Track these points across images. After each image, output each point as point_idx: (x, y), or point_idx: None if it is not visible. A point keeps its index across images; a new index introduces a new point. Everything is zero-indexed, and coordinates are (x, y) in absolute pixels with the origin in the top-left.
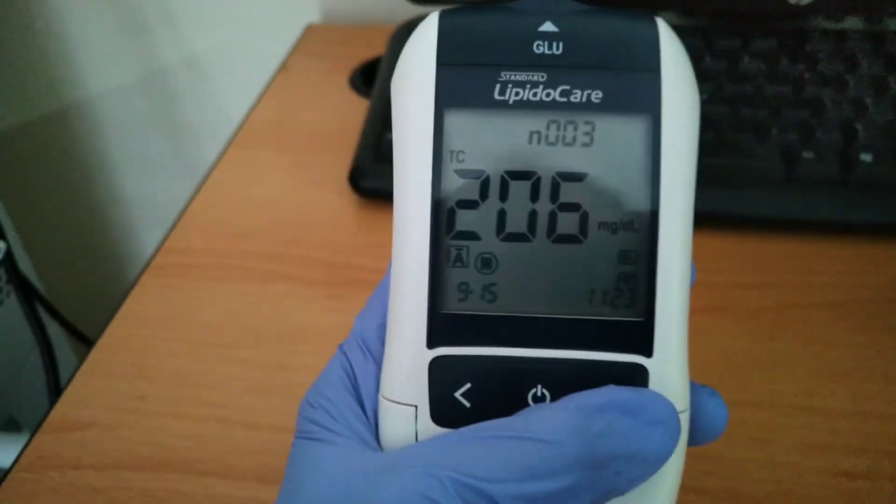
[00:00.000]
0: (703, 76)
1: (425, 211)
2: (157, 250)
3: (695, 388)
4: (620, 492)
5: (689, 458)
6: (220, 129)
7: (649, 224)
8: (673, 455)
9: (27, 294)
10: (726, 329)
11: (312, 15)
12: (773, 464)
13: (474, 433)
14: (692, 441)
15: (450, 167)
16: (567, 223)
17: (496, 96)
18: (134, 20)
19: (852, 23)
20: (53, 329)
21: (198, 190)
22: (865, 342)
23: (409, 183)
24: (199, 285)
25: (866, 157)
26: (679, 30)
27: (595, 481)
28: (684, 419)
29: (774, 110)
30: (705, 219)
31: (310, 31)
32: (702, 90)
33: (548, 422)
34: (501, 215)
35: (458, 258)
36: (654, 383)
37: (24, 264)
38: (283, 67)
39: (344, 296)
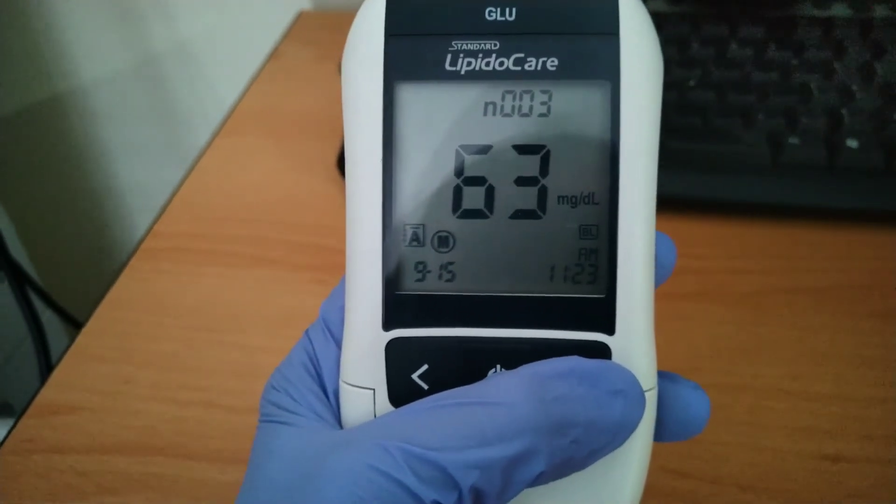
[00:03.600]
0: (691, 62)
1: (377, 189)
2: (146, 235)
3: (678, 380)
4: (580, 464)
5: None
6: (212, 116)
7: (609, 197)
8: (639, 438)
9: (19, 280)
10: (712, 314)
11: (304, 2)
12: (757, 447)
13: (427, 404)
14: (674, 435)
15: (401, 143)
16: (525, 198)
17: (447, 67)
18: (126, 8)
19: (839, 10)
20: (47, 315)
21: (187, 175)
22: (850, 327)
23: (360, 160)
24: (187, 270)
25: (852, 144)
26: (667, 17)
27: (551, 448)
28: (650, 397)
29: (761, 96)
30: (691, 204)
31: (301, 18)
32: (689, 76)
33: (502, 387)
34: (457, 192)
35: (414, 237)
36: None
37: (17, 250)
38: (274, 54)
39: (330, 280)
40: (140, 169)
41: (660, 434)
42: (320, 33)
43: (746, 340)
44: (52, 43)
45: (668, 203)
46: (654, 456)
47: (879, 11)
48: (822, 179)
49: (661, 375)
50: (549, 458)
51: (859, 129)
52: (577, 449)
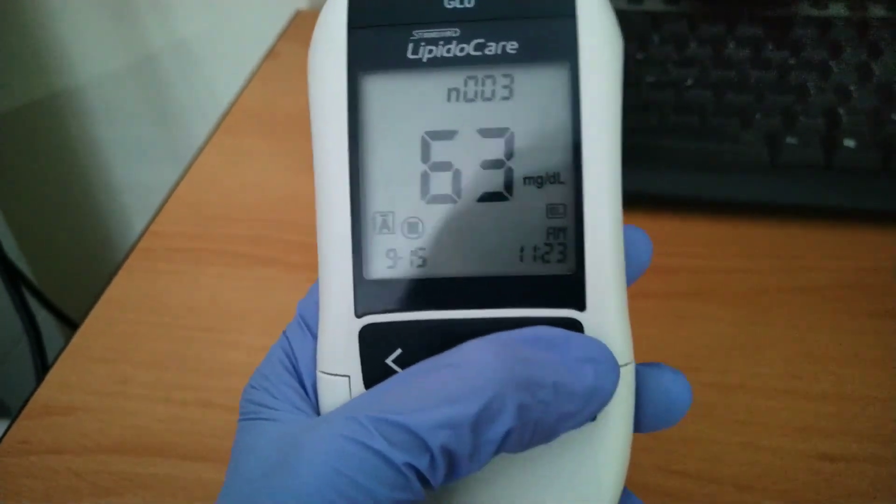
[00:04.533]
0: (688, 61)
1: (344, 179)
2: (142, 234)
3: (659, 366)
4: (551, 429)
5: (671, 440)
6: (210, 115)
7: (574, 176)
8: (619, 418)
9: (14, 280)
10: (710, 313)
11: (301, 1)
12: (755, 446)
13: (396, 377)
14: (655, 422)
15: (367, 132)
16: (492, 181)
17: (409, 55)
18: (123, 6)
19: (836, 10)
20: (43, 315)
21: (184, 174)
22: (848, 326)
23: (327, 151)
24: (184, 269)
25: (849, 143)
26: (665, 16)
27: (519, 404)
28: (626, 372)
29: (759, 96)
30: (689, 203)
31: (298, 17)
32: (687, 75)
33: (468, 351)
34: (425, 177)
35: (384, 224)
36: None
37: (12, 251)
38: (271, 53)
39: None
40: (137, 168)
41: (640, 422)
42: None
43: (744, 340)
44: (49, 41)
45: (666, 202)
46: (651, 455)
47: (876, 11)
48: (820, 179)
49: (643, 364)
50: (516, 415)
51: (856, 129)
52: (547, 412)
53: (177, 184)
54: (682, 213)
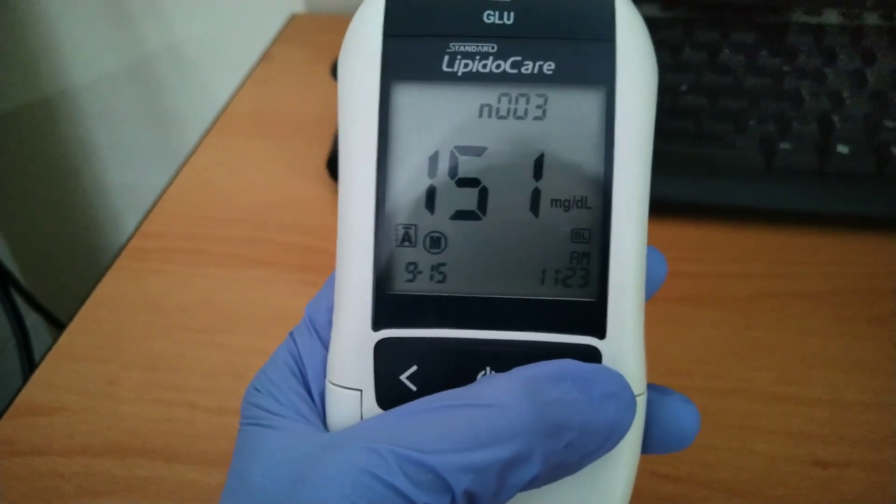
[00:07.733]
0: (683, 67)
1: (370, 188)
2: (133, 235)
3: (668, 393)
4: (571, 468)
5: None
6: (204, 118)
7: (602, 201)
8: (628, 443)
9: (3, 281)
10: (704, 318)
11: (296, 4)
12: (748, 451)
13: (418, 406)
14: (662, 447)
15: (396, 142)
16: (518, 201)
17: (444, 68)
18: (119, 9)
19: (830, 17)
20: (32, 318)
21: (176, 175)
22: (842, 332)
23: (354, 158)
24: (175, 269)
25: (843, 149)
26: (660, 21)
27: (546, 451)
28: (640, 402)
29: (753, 102)
30: (684, 208)
31: (293, 21)
32: (682, 81)
33: (495, 389)
34: (451, 192)
35: (406, 237)
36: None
37: (3, 252)
38: (266, 56)
39: (320, 281)
40: (131, 171)
41: (648, 445)
42: (312, 36)
43: (739, 345)
44: (44, 43)
45: (661, 207)
46: (645, 460)
47: (870, 19)
48: (814, 184)
49: (652, 388)
50: (543, 462)
51: (850, 135)
52: (571, 452)
53: (168, 184)
54: (677, 218)
